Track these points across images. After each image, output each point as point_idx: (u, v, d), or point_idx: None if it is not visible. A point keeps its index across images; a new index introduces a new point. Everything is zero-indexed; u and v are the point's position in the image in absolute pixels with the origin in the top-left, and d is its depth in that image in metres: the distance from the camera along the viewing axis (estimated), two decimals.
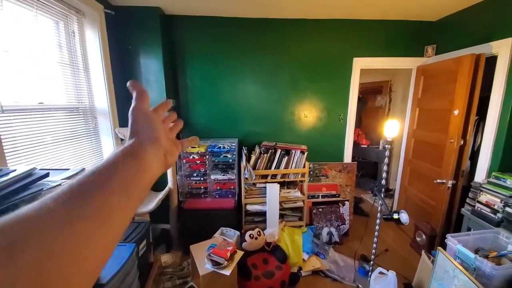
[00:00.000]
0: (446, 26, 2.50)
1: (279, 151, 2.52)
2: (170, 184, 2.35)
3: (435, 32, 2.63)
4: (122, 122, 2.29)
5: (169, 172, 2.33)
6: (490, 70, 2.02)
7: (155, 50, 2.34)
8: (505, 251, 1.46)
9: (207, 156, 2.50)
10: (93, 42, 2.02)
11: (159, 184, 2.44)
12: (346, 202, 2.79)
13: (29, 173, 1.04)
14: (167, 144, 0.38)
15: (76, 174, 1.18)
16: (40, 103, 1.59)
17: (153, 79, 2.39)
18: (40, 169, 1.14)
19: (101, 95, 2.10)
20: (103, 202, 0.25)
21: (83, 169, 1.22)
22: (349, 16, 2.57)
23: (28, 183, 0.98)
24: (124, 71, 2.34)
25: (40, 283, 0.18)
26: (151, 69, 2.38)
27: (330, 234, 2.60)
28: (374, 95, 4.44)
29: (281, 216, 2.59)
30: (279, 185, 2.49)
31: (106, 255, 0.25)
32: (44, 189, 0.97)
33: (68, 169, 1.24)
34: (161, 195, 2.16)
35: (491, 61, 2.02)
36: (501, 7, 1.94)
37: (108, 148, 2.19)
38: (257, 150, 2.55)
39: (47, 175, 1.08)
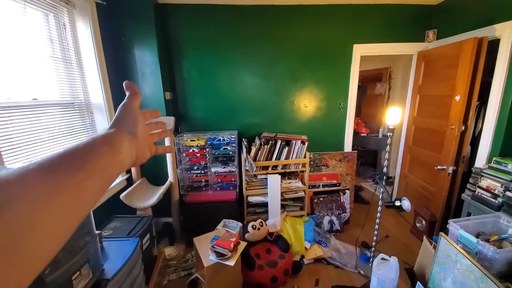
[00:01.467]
0: (448, 9, 2.44)
1: (279, 142, 2.50)
2: (170, 178, 2.35)
3: (436, 16, 2.57)
4: None
5: (169, 166, 2.32)
6: (493, 55, 1.98)
7: (149, 41, 2.27)
8: (506, 235, 1.48)
9: (207, 149, 2.48)
10: (85, 34, 1.96)
11: (160, 178, 2.43)
12: (347, 191, 2.81)
13: None
14: (143, 144, 0.41)
15: None
16: (33, 99, 1.55)
17: (148, 72, 2.34)
18: None
19: (96, 90, 2.05)
20: (80, 182, 0.27)
21: None
22: (348, 1, 2.49)
23: None
24: (119, 64, 2.29)
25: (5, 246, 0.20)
26: (146, 61, 2.32)
27: (331, 222, 2.63)
28: (373, 82, 4.39)
29: (283, 207, 2.60)
30: (280, 176, 2.49)
31: (67, 233, 0.26)
32: None
33: None
34: (162, 189, 2.16)
35: (494, 45, 1.98)
36: None
37: None
38: (257, 141, 2.53)
39: None
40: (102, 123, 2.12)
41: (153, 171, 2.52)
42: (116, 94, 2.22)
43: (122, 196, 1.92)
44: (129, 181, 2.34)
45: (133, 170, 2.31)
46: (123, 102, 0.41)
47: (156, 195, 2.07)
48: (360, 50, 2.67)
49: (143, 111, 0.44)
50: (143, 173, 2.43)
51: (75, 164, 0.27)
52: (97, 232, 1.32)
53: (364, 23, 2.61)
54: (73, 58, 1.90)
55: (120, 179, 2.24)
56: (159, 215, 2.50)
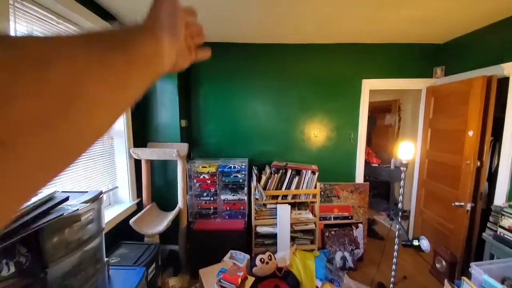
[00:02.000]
0: (455, 48, 2.54)
1: (289, 171, 2.50)
2: (180, 204, 2.35)
3: (443, 54, 2.67)
4: (136, 143, 2.35)
5: (180, 192, 2.34)
6: (504, 91, 2.01)
7: (171, 75, 2.44)
8: None
9: (218, 176, 2.50)
10: None
11: (170, 204, 2.44)
12: (360, 225, 2.70)
13: (50, 197, 1.07)
14: (183, 46, 0.34)
15: (94, 197, 1.20)
16: None
17: (167, 101, 2.48)
18: (61, 192, 1.17)
19: None
20: (125, 64, 0.22)
21: (100, 192, 1.24)
22: (356, 41, 2.65)
23: (50, 208, 1.01)
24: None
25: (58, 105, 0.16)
26: (167, 92, 2.47)
27: (343, 258, 2.50)
28: (383, 113, 4.44)
29: (292, 239, 2.51)
30: (290, 206, 2.45)
31: (109, 121, 0.22)
32: (64, 214, 0.99)
33: (87, 191, 1.27)
34: (171, 215, 2.16)
35: (504, 82, 2.01)
36: (511, 29, 1.97)
37: (122, 168, 2.23)
38: (267, 170, 2.54)
39: (67, 198, 1.10)
40: (121, 147, 2.21)
41: (163, 196, 2.54)
42: (136, 121, 2.34)
43: (131, 221, 1.93)
44: (139, 205, 2.35)
45: (144, 194, 2.33)
46: None
47: (165, 221, 2.06)
48: (369, 85, 2.76)
49: (185, 7, 0.35)
50: (153, 198, 2.45)
51: (118, 45, 0.22)
52: (106, 259, 1.32)
53: (372, 60, 2.73)
54: None
55: (132, 203, 2.26)
56: (165, 242, 2.46)
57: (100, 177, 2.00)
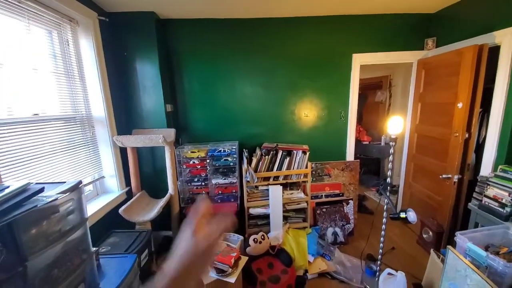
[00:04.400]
0: (446, 17, 2.46)
1: (280, 152, 2.48)
2: (170, 190, 2.32)
3: (434, 24, 2.58)
4: (120, 130, 2.27)
5: (170, 178, 2.30)
6: (494, 61, 1.97)
7: (151, 55, 2.31)
8: None
9: (208, 161, 2.46)
10: (88, 50, 1.99)
11: (160, 191, 2.41)
12: (350, 201, 2.75)
13: (23, 189, 1.01)
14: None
15: (73, 187, 1.15)
16: (34, 114, 1.56)
17: (150, 85, 2.36)
18: (35, 184, 1.11)
19: (97, 103, 2.07)
20: None
21: (79, 182, 1.19)
22: (345, 12, 2.52)
23: (22, 200, 0.96)
24: (121, 78, 2.32)
25: None
26: (148, 75, 2.35)
27: (335, 234, 2.57)
28: (374, 90, 4.39)
29: (285, 218, 2.55)
30: (281, 186, 2.46)
31: None
32: (38, 205, 0.94)
33: (65, 182, 1.21)
34: (162, 202, 2.13)
35: (494, 51, 1.97)
36: None
37: (107, 157, 2.16)
38: (258, 152, 2.51)
39: (42, 190, 1.05)
40: (103, 135, 2.12)
41: (153, 184, 2.50)
42: (117, 107, 2.24)
43: (121, 210, 1.90)
44: (129, 194, 2.32)
45: (132, 182, 2.29)
46: (189, 237, 0.34)
47: (155, 208, 2.04)
48: (359, 60, 2.68)
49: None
50: (143, 186, 2.41)
51: None
52: (94, 249, 1.30)
53: (362, 33, 2.63)
54: (75, 73, 1.93)
55: (120, 192, 2.22)
56: (159, 229, 2.47)
57: (84, 168, 1.93)
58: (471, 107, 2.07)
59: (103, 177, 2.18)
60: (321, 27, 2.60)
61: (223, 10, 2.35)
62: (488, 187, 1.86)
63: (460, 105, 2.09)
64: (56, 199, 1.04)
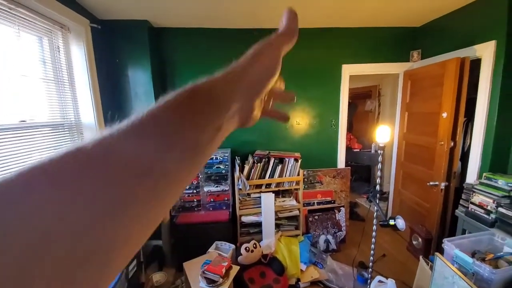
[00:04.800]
0: (430, 31, 2.57)
1: (272, 160, 2.49)
2: None
3: (419, 37, 2.70)
4: None
5: None
6: (476, 72, 2.07)
7: (143, 63, 2.31)
8: (502, 253, 1.45)
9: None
10: (79, 56, 1.98)
11: None
12: (342, 208, 2.77)
13: None
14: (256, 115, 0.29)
15: None
16: (21, 121, 1.53)
17: (141, 91, 2.36)
18: None
19: (87, 110, 2.04)
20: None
21: None
22: (335, 25, 2.61)
23: None
24: (112, 85, 2.30)
25: None
26: (140, 82, 2.34)
27: (327, 241, 2.57)
28: (363, 99, 4.50)
29: (277, 226, 2.54)
30: (273, 194, 2.46)
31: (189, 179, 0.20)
32: None
33: None
34: None
35: (476, 63, 2.07)
36: (483, 11, 2.00)
37: None
38: (250, 159, 2.52)
39: None
40: None
41: None
42: (108, 114, 2.22)
43: None
44: None
45: None
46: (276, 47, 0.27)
47: None
48: (348, 70, 2.76)
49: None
50: None
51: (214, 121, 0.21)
52: None
53: (351, 45, 2.72)
54: (65, 79, 1.91)
55: None
56: (148, 238, 2.41)
57: None
58: (455, 116, 2.15)
59: None
60: (312, 39, 2.68)
61: (216, 20, 2.40)
62: (474, 194, 1.92)
63: (444, 114, 2.17)
64: None
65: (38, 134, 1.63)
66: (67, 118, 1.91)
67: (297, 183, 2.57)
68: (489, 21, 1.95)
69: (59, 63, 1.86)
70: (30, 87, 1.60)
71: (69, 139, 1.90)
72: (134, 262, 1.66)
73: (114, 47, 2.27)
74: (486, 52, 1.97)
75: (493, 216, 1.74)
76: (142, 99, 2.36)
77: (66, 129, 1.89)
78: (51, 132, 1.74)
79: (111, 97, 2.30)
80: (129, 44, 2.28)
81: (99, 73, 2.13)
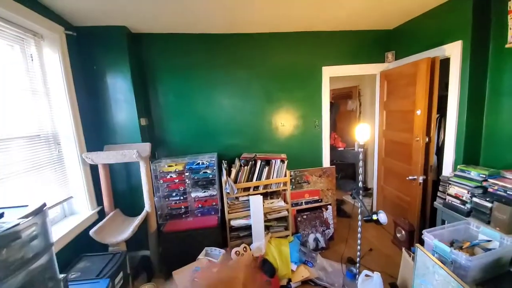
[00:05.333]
0: (403, 33, 2.71)
1: (259, 162, 2.51)
2: (147, 207, 2.23)
3: (393, 39, 2.84)
4: (90, 147, 2.16)
5: (146, 195, 2.21)
6: (446, 71, 2.19)
7: (122, 69, 2.26)
8: (477, 241, 1.54)
9: (186, 174, 2.42)
10: (54, 65, 1.91)
11: (136, 208, 2.31)
12: (329, 206, 2.83)
13: None
14: None
15: (36, 210, 1.07)
16: None
17: (122, 99, 2.30)
18: None
19: (64, 119, 1.97)
20: None
21: (43, 205, 1.11)
22: (314, 28, 2.69)
23: None
24: (90, 92, 2.23)
25: None
26: (120, 89, 2.29)
27: (316, 240, 2.61)
28: (345, 99, 4.64)
29: (267, 228, 2.55)
30: (262, 196, 2.47)
31: None
32: None
33: (27, 205, 1.13)
34: (137, 220, 2.04)
35: (446, 62, 2.19)
36: (449, 13, 2.13)
37: (75, 175, 2.04)
38: (237, 163, 2.52)
39: (1, 215, 0.97)
40: (71, 153, 2.01)
41: (128, 201, 2.39)
42: (87, 123, 2.15)
43: (92, 231, 1.78)
44: (101, 214, 2.19)
45: (105, 201, 2.17)
46: None
47: (130, 227, 1.94)
48: (328, 72, 2.85)
49: None
50: (117, 204, 2.29)
51: None
52: (62, 276, 1.20)
53: (330, 48, 2.82)
54: (40, 88, 1.83)
55: (91, 212, 2.09)
56: (135, 249, 2.34)
57: (50, 189, 1.81)
58: (428, 113, 2.27)
59: (71, 197, 2.04)
60: (292, 42, 2.74)
61: (196, 25, 2.39)
62: (450, 186, 2.02)
63: (418, 112, 2.29)
64: (18, 224, 0.96)
65: (14, 146, 1.55)
66: (42, 129, 1.83)
67: (285, 184, 2.60)
68: (456, 22, 2.08)
69: (32, 72, 1.78)
70: (2, 98, 1.52)
71: (46, 151, 1.82)
72: (121, 274, 1.61)
73: (91, 54, 2.20)
74: (454, 52, 2.10)
75: (468, 206, 1.84)
76: (123, 106, 2.31)
77: (42, 140, 1.81)
78: (26, 144, 1.66)
79: (90, 105, 2.23)
80: (107, 50, 2.23)
81: (76, 81, 2.06)
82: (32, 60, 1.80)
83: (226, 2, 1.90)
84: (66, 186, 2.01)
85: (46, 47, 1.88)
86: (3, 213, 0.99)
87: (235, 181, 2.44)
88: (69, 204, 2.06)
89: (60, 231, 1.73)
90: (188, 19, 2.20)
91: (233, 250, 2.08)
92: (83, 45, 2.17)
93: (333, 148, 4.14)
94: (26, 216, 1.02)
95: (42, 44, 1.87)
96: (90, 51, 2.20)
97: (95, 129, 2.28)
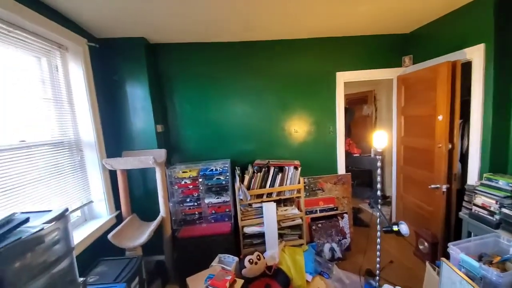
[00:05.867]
0: (420, 36, 2.63)
1: (272, 169, 2.49)
2: (162, 212, 2.27)
3: (410, 43, 2.76)
4: (110, 153, 2.24)
5: (161, 200, 2.25)
6: (467, 75, 2.10)
7: (140, 79, 2.35)
8: (508, 255, 1.43)
9: (200, 180, 2.44)
10: (77, 75, 2.01)
11: (151, 214, 2.35)
12: (345, 215, 2.75)
13: (7, 220, 0.98)
14: None
15: (59, 215, 1.11)
16: (21, 141, 1.54)
17: (139, 107, 2.38)
18: (21, 213, 1.08)
19: (87, 127, 2.06)
20: None
21: (66, 210, 1.15)
22: (328, 34, 2.67)
23: (6, 232, 0.92)
24: (110, 101, 2.33)
25: None
26: (138, 97, 2.37)
27: (332, 250, 2.53)
28: (360, 105, 4.55)
29: (280, 236, 2.51)
30: (275, 203, 2.44)
31: None
32: (22, 237, 0.91)
33: (51, 210, 1.17)
34: (153, 225, 2.07)
35: (468, 66, 2.10)
36: (470, 16, 2.05)
37: (96, 181, 2.12)
38: (250, 169, 2.51)
39: (27, 220, 1.01)
40: (92, 159, 2.09)
41: (144, 206, 2.44)
42: (107, 131, 2.23)
43: (110, 236, 1.83)
44: (119, 218, 2.25)
45: (123, 205, 2.23)
46: None
47: (146, 232, 1.98)
48: (343, 77, 2.81)
49: None
50: (134, 209, 2.34)
51: None
52: (81, 280, 1.23)
53: (344, 53, 2.78)
54: (64, 98, 1.93)
55: (109, 216, 2.15)
56: (150, 253, 2.37)
57: (72, 194, 1.88)
58: (451, 119, 2.17)
59: (92, 201, 2.11)
60: (307, 48, 2.74)
61: (212, 35, 2.46)
62: (476, 195, 1.91)
63: (440, 117, 2.19)
64: (42, 229, 1.00)
65: (38, 153, 1.63)
66: (66, 136, 1.92)
67: (298, 191, 2.56)
68: (477, 25, 2.00)
69: (57, 82, 1.89)
70: (29, 107, 1.62)
71: (68, 157, 1.91)
72: (136, 279, 1.62)
73: (112, 65, 2.31)
74: (476, 55, 2.01)
75: (497, 217, 1.73)
76: (140, 114, 2.38)
77: (65, 147, 1.89)
78: (51, 151, 1.74)
79: (110, 113, 2.32)
80: (127, 61, 2.32)
81: (98, 90, 2.16)
82: (57, 70, 1.90)
83: (241, 8, 1.92)
84: (87, 191, 2.08)
85: (70, 58, 1.99)
86: (28, 218, 1.03)
87: (248, 188, 2.43)
88: (90, 208, 2.12)
89: (81, 235, 1.79)
90: (202, 29, 2.25)
91: (247, 258, 2.05)
92: (105, 56, 2.27)
93: (348, 154, 4.04)
94: (49, 221, 1.06)
95: (67, 56, 1.98)
96: (111, 62, 2.30)
97: (114, 136, 2.36)
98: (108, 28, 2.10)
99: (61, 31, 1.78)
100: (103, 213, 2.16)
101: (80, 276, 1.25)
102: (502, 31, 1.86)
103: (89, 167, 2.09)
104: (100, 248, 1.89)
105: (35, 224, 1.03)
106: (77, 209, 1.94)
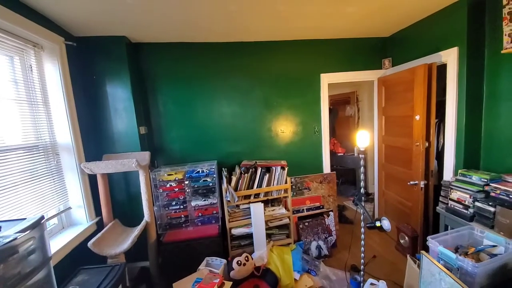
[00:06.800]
0: (399, 40, 2.75)
1: (259, 170, 2.49)
2: (146, 217, 2.19)
3: (389, 46, 2.88)
4: (89, 157, 2.14)
5: (145, 204, 2.18)
6: (443, 77, 2.22)
7: (122, 79, 2.27)
8: (482, 246, 1.52)
9: (186, 182, 2.40)
10: (53, 75, 1.91)
11: (134, 219, 2.27)
12: (331, 213, 2.81)
13: None
14: None
15: (34, 224, 1.05)
16: None
17: (121, 107, 2.30)
18: None
19: (63, 130, 1.95)
20: None
21: (41, 217, 1.09)
22: (312, 37, 2.73)
23: None
24: (89, 102, 2.23)
25: None
26: (119, 98, 2.29)
27: (319, 247, 2.57)
28: (343, 105, 4.68)
29: (268, 236, 2.52)
30: (262, 204, 2.44)
31: None
32: None
33: (25, 218, 1.10)
34: (136, 231, 2.00)
35: (443, 68, 2.22)
36: (445, 20, 2.17)
37: (74, 186, 2.01)
38: (237, 170, 2.50)
39: None
40: (70, 163, 1.99)
41: (127, 211, 2.36)
42: (86, 133, 2.13)
43: (90, 243, 1.74)
44: (100, 225, 2.15)
45: (104, 211, 2.13)
46: None
47: (129, 238, 1.91)
48: (327, 79, 2.88)
49: None
50: (116, 214, 2.26)
51: None
52: None
53: (328, 55, 2.85)
54: (39, 99, 1.82)
55: (89, 223, 2.06)
56: (134, 260, 2.29)
57: (48, 200, 1.78)
58: (427, 118, 2.28)
59: (70, 208, 2.01)
60: (291, 50, 2.77)
61: (197, 36, 2.42)
62: (452, 190, 2.01)
63: (417, 117, 2.30)
64: (15, 238, 0.94)
65: (10, 157, 1.53)
66: (41, 139, 1.81)
67: (285, 191, 2.58)
68: (451, 29, 2.11)
69: (32, 83, 1.78)
70: (1, 109, 1.51)
71: (44, 161, 1.80)
72: (120, 287, 1.56)
73: (91, 64, 2.21)
74: (450, 58, 2.13)
75: (471, 210, 1.83)
76: (122, 115, 2.30)
77: (41, 151, 1.79)
78: (24, 155, 1.64)
79: (89, 115, 2.22)
80: (107, 60, 2.23)
81: (76, 91, 2.06)
82: (32, 70, 1.79)
83: (231, 8, 1.91)
84: (65, 197, 1.97)
85: (46, 57, 1.88)
86: (0, 227, 0.96)
87: (236, 189, 2.42)
88: (68, 215, 2.02)
89: (58, 243, 1.69)
90: (185, 30, 2.22)
91: (235, 260, 2.04)
92: (83, 55, 2.18)
93: (332, 153, 4.14)
94: (23, 230, 1.00)
95: (42, 55, 1.87)
96: (90, 61, 2.21)
97: (94, 139, 2.26)
98: (87, 27, 2.01)
99: (36, 29, 1.68)
100: (82, 220, 2.06)
101: (58, 287, 1.18)
102: (474, 35, 1.99)
103: (66, 171, 1.99)
104: (80, 257, 1.80)
105: (8, 234, 0.96)
106: (53, 216, 1.84)
